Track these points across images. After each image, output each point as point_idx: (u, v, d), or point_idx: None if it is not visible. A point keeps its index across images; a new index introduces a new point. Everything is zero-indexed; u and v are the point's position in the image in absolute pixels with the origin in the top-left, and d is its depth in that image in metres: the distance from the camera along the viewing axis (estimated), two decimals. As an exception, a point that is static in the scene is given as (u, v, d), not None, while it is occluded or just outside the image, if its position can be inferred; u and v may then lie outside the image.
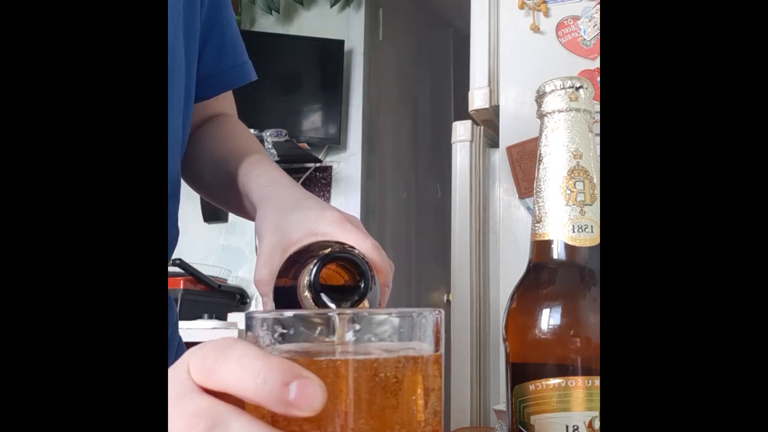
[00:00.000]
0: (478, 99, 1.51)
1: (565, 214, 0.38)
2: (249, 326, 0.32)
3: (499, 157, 1.50)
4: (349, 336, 0.30)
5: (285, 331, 0.31)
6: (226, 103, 0.82)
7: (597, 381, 0.35)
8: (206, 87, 0.76)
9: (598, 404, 0.35)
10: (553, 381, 0.36)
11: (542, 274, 0.38)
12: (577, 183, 0.38)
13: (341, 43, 2.60)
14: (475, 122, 1.53)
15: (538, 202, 0.39)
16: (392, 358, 0.30)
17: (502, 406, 0.82)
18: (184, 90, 0.67)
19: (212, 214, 2.37)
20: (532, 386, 0.36)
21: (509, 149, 1.46)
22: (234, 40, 0.80)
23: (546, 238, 0.38)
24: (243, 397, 0.30)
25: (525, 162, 1.46)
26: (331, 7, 2.60)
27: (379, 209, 2.75)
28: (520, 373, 0.37)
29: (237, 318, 2.16)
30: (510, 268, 1.38)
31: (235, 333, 1.80)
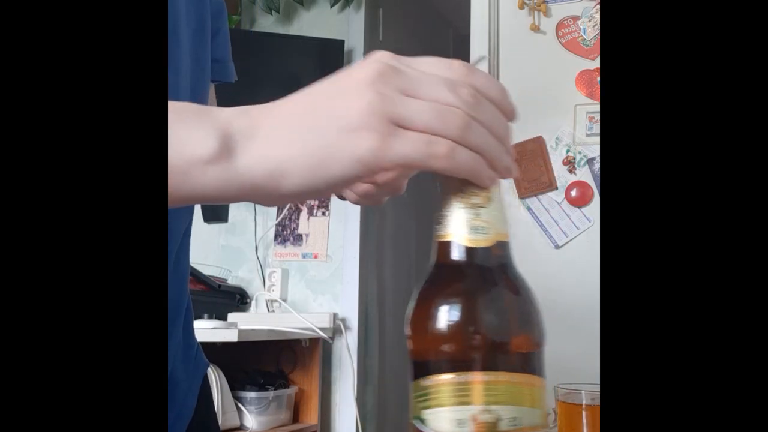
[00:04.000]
0: (478, 99, 1.51)
1: (462, 216, 0.40)
2: None
3: (499, 157, 1.50)
4: None
5: None
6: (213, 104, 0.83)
7: (483, 377, 0.37)
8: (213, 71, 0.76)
9: (483, 399, 0.36)
10: (443, 377, 0.37)
11: (440, 274, 0.40)
12: (472, 186, 0.39)
13: (341, 43, 2.60)
14: (475, 122, 1.53)
15: (441, 204, 0.41)
16: None
17: (502, 406, 0.82)
18: (191, 74, 0.67)
19: (212, 214, 2.37)
20: (425, 382, 0.38)
21: (509, 149, 1.46)
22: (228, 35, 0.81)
23: (445, 239, 0.40)
24: None
25: (525, 162, 1.46)
26: (331, 7, 2.60)
27: (379, 209, 2.75)
28: (417, 370, 0.39)
29: (237, 318, 2.17)
30: (510, 268, 1.38)
31: (235, 333, 1.80)
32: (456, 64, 0.39)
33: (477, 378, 0.37)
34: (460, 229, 0.40)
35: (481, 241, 0.39)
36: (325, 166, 0.37)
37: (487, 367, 0.37)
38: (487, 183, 0.39)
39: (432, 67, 0.39)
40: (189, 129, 0.38)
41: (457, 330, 0.38)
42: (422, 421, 0.38)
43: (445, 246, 0.40)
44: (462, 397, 0.37)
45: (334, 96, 0.38)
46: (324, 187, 0.38)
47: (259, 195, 0.38)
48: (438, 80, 0.38)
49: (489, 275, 0.40)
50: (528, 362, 0.38)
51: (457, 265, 0.40)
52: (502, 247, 0.40)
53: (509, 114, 0.41)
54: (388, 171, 0.37)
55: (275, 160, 0.37)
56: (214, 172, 0.37)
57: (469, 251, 0.39)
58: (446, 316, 0.38)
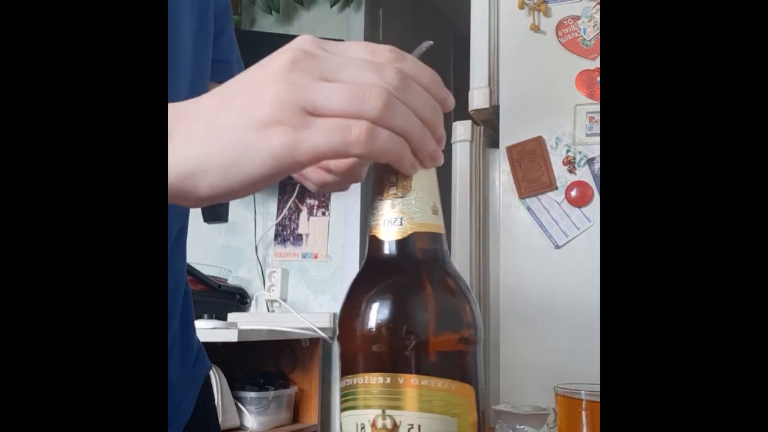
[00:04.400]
0: (478, 99, 1.51)
1: (381, 208, 0.38)
2: None
3: (499, 157, 1.50)
4: None
5: None
6: None
7: (382, 379, 0.35)
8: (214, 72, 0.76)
9: (382, 402, 0.34)
10: (349, 380, 0.36)
11: (363, 270, 0.39)
12: (390, 176, 0.37)
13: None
14: (475, 122, 1.53)
15: (373, 194, 0.39)
16: None
17: (502, 406, 0.82)
18: (191, 74, 0.67)
19: (212, 214, 2.36)
20: (341, 383, 0.37)
21: (509, 149, 1.46)
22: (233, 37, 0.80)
23: (371, 233, 0.38)
24: None
25: (525, 162, 1.46)
26: (331, 7, 2.60)
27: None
28: (341, 371, 0.37)
29: (237, 318, 2.17)
30: (510, 268, 1.38)
31: (235, 333, 1.80)
32: (382, 48, 0.36)
33: (377, 381, 0.35)
34: (379, 220, 0.38)
35: (396, 234, 0.37)
36: (239, 165, 0.35)
37: (393, 369, 0.35)
38: (408, 170, 0.36)
39: (356, 52, 0.36)
40: None
41: (365, 329, 0.36)
42: (341, 425, 0.36)
43: (370, 240, 0.38)
44: (364, 400, 0.35)
45: (247, 89, 0.36)
46: (239, 188, 0.36)
47: (177, 198, 0.36)
48: (360, 62, 0.35)
49: (407, 270, 0.37)
50: (446, 365, 0.35)
51: (378, 259, 0.38)
52: (425, 239, 0.37)
53: (442, 102, 0.37)
54: (306, 165, 0.35)
55: (188, 162, 0.35)
56: None
57: (386, 245, 0.37)
58: (355, 314, 0.36)
